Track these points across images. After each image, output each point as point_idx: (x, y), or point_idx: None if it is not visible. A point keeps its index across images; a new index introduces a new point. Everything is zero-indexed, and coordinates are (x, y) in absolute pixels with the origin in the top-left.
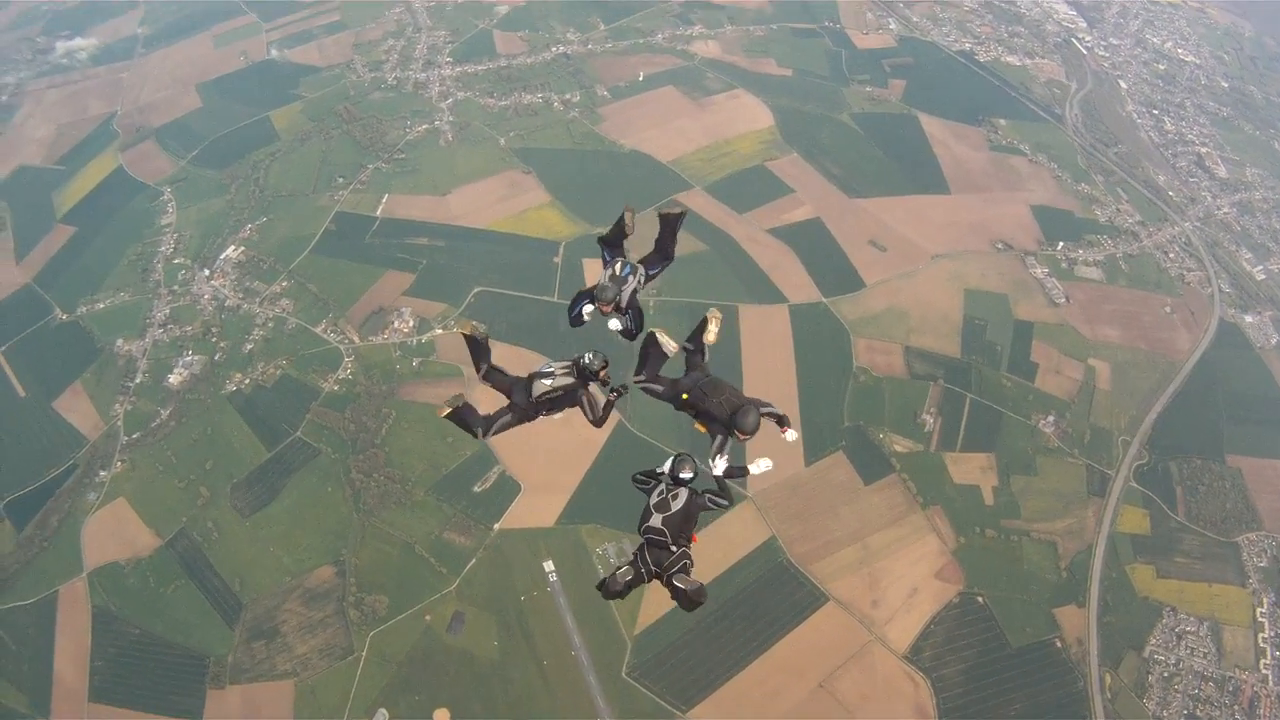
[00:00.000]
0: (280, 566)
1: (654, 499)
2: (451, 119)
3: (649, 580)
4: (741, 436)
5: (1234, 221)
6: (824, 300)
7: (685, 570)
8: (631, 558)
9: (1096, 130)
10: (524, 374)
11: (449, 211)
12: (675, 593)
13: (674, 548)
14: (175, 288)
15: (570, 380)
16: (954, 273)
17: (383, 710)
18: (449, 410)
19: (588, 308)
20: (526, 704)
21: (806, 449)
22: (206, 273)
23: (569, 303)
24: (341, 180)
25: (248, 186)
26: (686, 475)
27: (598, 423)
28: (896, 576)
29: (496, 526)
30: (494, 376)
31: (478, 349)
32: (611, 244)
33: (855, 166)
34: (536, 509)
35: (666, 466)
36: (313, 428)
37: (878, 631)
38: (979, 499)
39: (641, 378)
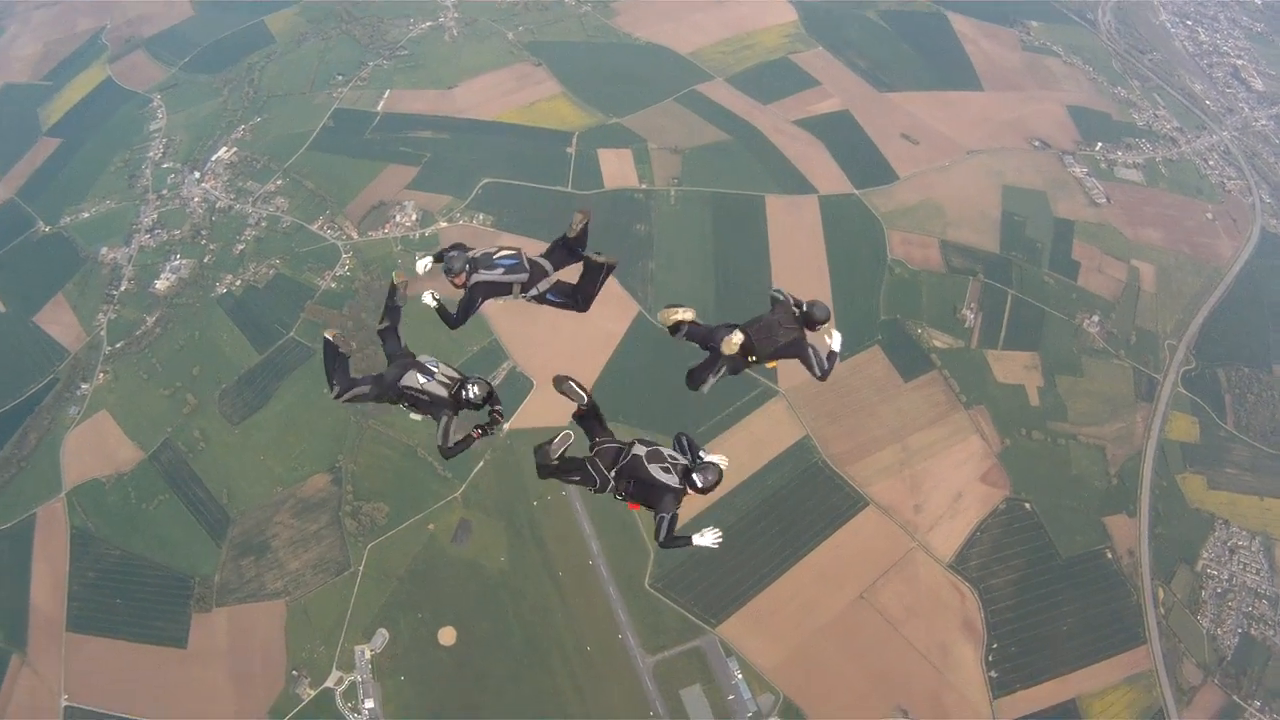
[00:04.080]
0: (271, 475)
1: (666, 451)
2: (457, 15)
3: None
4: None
5: (1272, 134)
6: (855, 192)
7: (578, 472)
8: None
9: (1130, 37)
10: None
11: (454, 105)
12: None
13: (608, 474)
14: (164, 192)
15: (443, 395)
16: (990, 168)
17: (382, 630)
18: (330, 336)
19: (423, 263)
20: (541, 619)
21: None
22: (197, 175)
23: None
24: (340, 78)
25: (241, 88)
26: (699, 485)
27: (446, 451)
28: (939, 479)
29: (506, 426)
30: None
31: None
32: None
33: (883, 61)
34: (550, 406)
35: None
36: (308, 327)
37: (920, 539)
38: (1024, 399)
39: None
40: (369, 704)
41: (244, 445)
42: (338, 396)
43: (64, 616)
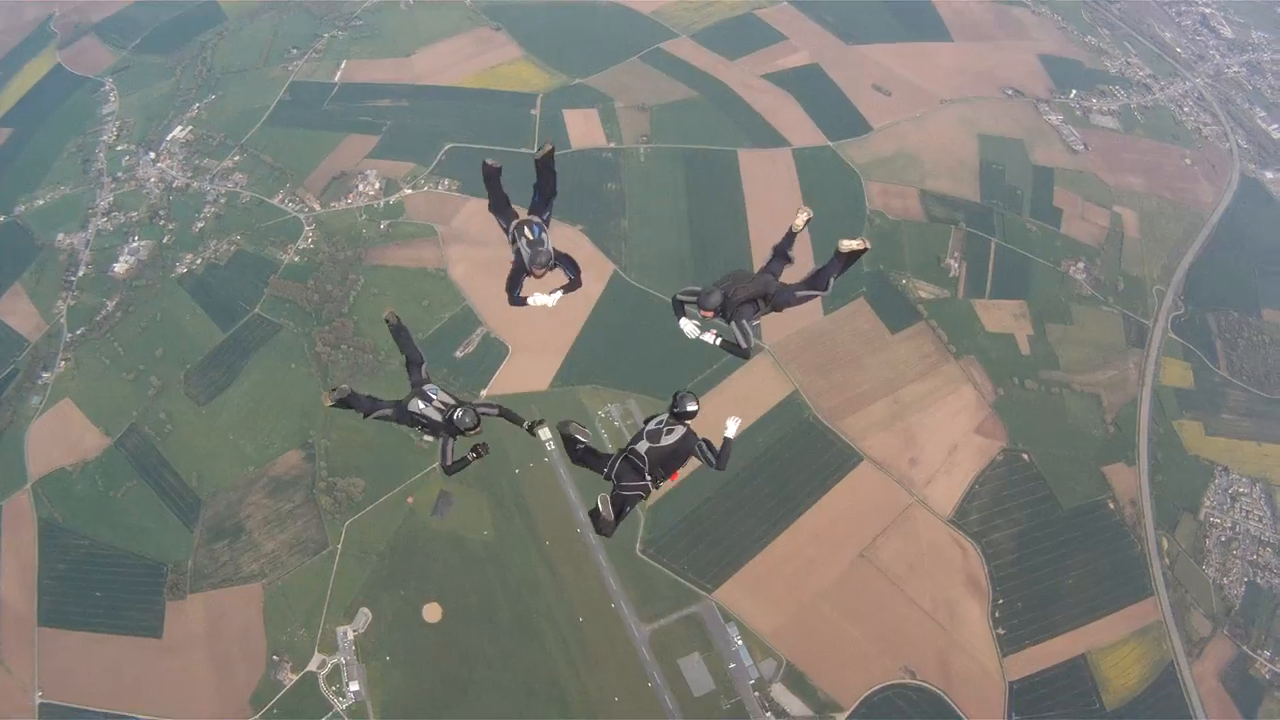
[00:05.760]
0: (242, 455)
1: (649, 425)
2: None
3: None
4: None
5: (1244, 81)
6: (830, 144)
7: (626, 502)
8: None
9: None
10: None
11: (413, 72)
12: (593, 512)
13: (646, 478)
14: (119, 175)
15: (439, 420)
16: (965, 117)
17: (365, 610)
18: (333, 401)
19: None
20: (528, 591)
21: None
22: (152, 155)
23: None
24: (295, 51)
25: (194, 67)
26: (690, 408)
27: (446, 469)
28: (933, 432)
29: (484, 393)
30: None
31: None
32: (500, 209)
33: (850, 14)
34: (528, 372)
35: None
36: (272, 302)
37: (918, 493)
38: (1014, 348)
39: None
40: (354, 686)
41: (212, 426)
42: (365, 416)
43: (35, 611)
